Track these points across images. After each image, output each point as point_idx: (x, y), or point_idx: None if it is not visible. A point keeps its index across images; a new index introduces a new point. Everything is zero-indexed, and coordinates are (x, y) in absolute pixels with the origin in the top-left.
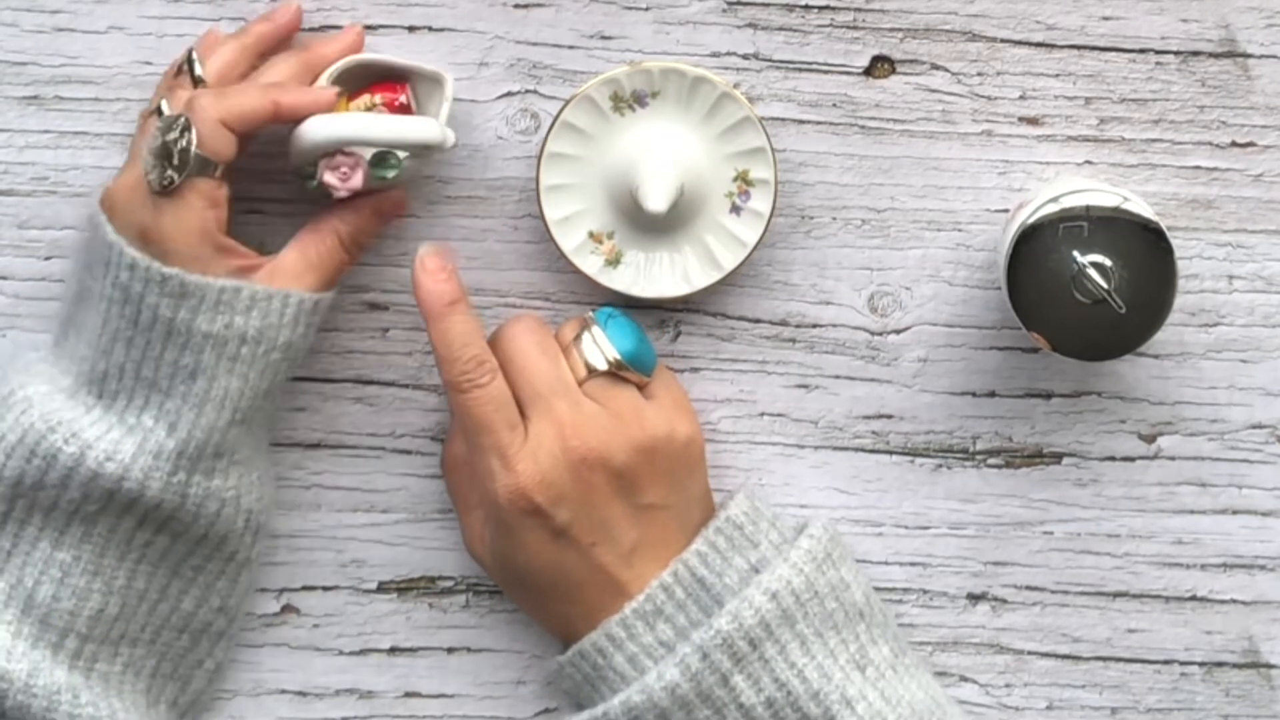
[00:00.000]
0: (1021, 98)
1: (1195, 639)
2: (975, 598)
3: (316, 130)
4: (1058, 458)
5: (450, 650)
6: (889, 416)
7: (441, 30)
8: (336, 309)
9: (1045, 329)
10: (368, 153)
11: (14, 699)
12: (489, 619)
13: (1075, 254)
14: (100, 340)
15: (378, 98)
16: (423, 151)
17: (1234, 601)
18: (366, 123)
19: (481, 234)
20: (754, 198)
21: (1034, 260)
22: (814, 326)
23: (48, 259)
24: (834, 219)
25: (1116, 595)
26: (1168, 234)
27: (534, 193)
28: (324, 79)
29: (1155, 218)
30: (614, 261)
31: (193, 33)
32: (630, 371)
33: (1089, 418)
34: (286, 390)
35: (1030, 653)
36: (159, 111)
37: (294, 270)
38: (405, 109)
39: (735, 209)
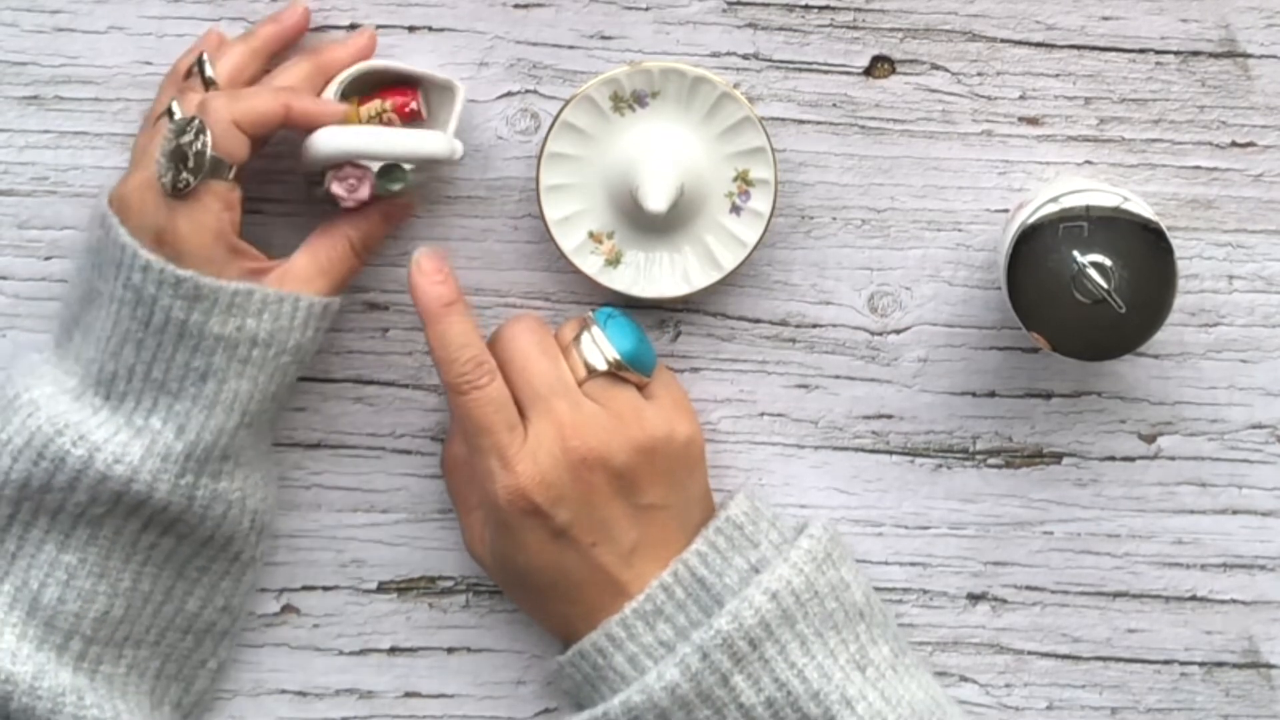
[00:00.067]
0: (1021, 98)
1: (1195, 639)
2: (975, 598)
3: (325, 143)
4: (1058, 458)
5: (450, 650)
6: (889, 416)
7: (441, 30)
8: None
9: (1045, 329)
10: (375, 165)
11: (19, 701)
12: (489, 619)
13: (1075, 254)
14: (109, 342)
15: (388, 103)
16: (430, 164)
17: (1234, 601)
18: (375, 137)
19: (481, 234)
20: (754, 198)
21: (1034, 260)
22: (814, 326)
23: (48, 259)
24: (834, 219)
25: (1116, 595)
26: (1168, 234)
27: (534, 193)
28: (334, 85)
29: (1155, 218)
30: (614, 261)
31: (193, 33)
32: (630, 372)
33: (1089, 418)
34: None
35: (1030, 653)
36: (170, 114)
37: (305, 274)
38: (416, 115)
39: (735, 209)
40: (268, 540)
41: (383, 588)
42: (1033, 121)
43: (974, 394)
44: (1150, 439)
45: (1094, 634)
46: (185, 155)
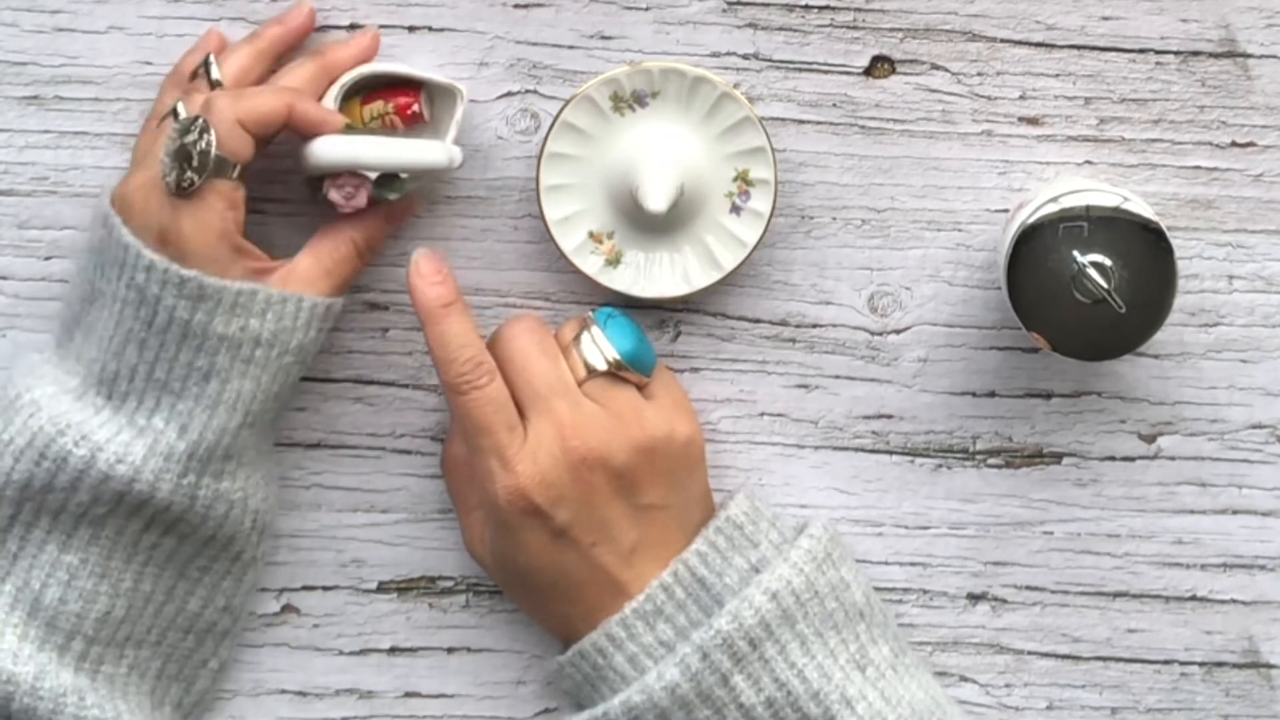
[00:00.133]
0: (1021, 98)
1: (1195, 639)
2: (975, 598)
3: (323, 153)
4: (1058, 458)
5: (450, 650)
6: (889, 416)
7: (441, 30)
8: None
9: (1045, 329)
10: (373, 173)
11: (20, 701)
12: (489, 619)
13: (1075, 254)
14: (111, 341)
15: (390, 105)
16: (428, 173)
17: (1234, 601)
18: (372, 148)
19: (481, 234)
20: (754, 198)
21: (1034, 260)
22: (814, 326)
23: (48, 259)
24: (834, 219)
25: (1116, 595)
26: (1168, 234)
27: (534, 193)
28: (336, 88)
29: (1155, 218)
30: (614, 261)
31: (193, 33)
32: (630, 372)
33: (1089, 418)
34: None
35: (1030, 653)
36: (174, 114)
37: (309, 275)
38: (418, 117)
39: (735, 209)
40: (269, 540)
41: (383, 588)
42: (1033, 121)
43: (974, 394)
44: (1150, 439)
45: (1094, 634)
46: (190, 154)
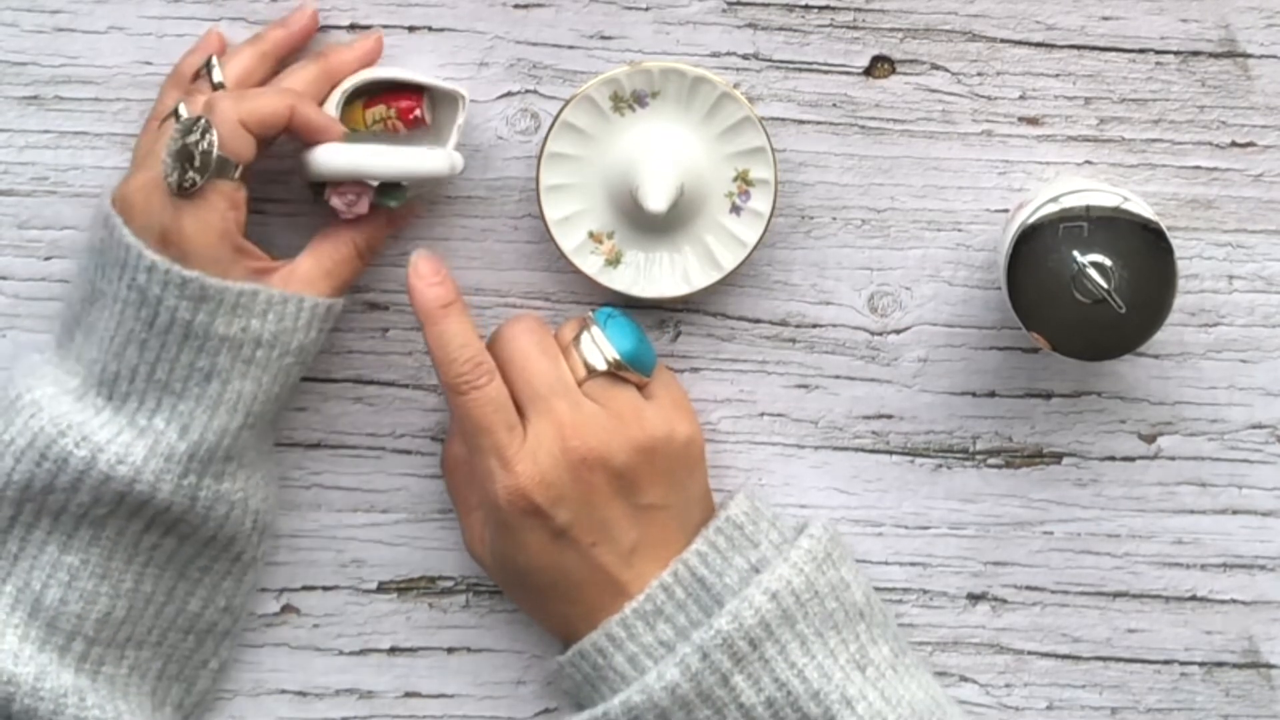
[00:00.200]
0: (1021, 98)
1: (1195, 639)
2: (975, 598)
3: (326, 162)
4: (1058, 458)
5: (450, 650)
6: (889, 416)
7: (441, 30)
8: None
9: (1045, 329)
10: (375, 181)
11: (21, 702)
12: (489, 619)
13: (1075, 254)
14: (112, 342)
15: (393, 110)
16: (430, 181)
17: (1234, 601)
18: (374, 157)
19: (481, 234)
20: (754, 198)
21: (1034, 260)
22: (814, 326)
23: (48, 259)
24: (834, 219)
25: (1116, 595)
26: (1168, 234)
27: (534, 193)
28: (339, 93)
29: (1155, 218)
30: (614, 261)
31: (193, 33)
32: (630, 371)
33: (1089, 418)
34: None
35: (1030, 653)
36: (176, 115)
37: (310, 276)
38: (420, 121)
39: (735, 209)
40: (269, 540)
41: (383, 588)
42: (1033, 121)
43: (974, 394)
44: (1150, 439)
45: (1094, 634)
46: (191, 155)
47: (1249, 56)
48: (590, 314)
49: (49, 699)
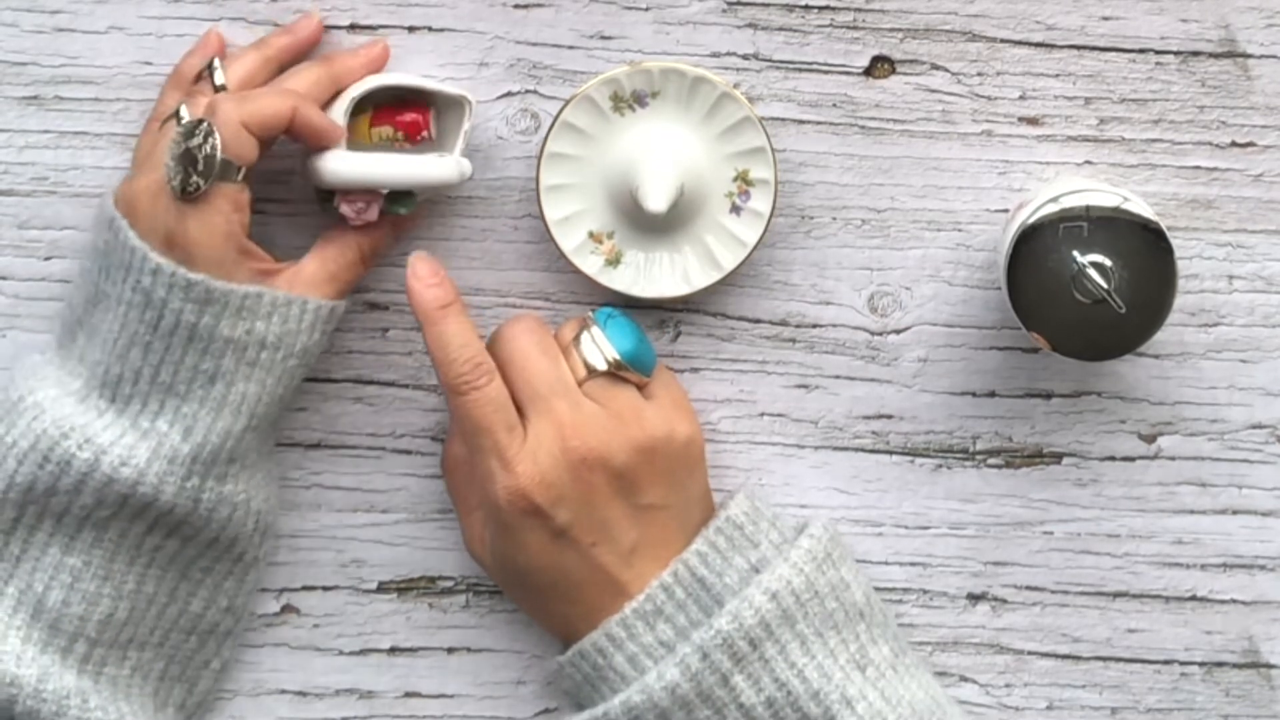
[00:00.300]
0: (1021, 98)
1: (1195, 639)
2: (975, 598)
3: (335, 171)
4: (1058, 458)
5: (450, 650)
6: (889, 416)
7: (441, 30)
8: None
9: (1045, 329)
10: (384, 189)
11: (24, 704)
12: (489, 619)
13: (1075, 254)
14: (116, 344)
15: (400, 133)
16: (439, 188)
17: (1234, 601)
18: (385, 166)
19: (481, 234)
20: (754, 198)
21: (1034, 260)
22: (814, 326)
23: (48, 259)
24: (834, 219)
25: (1116, 595)
26: (1168, 234)
27: (534, 193)
28: (345, 101)
29: (1155, 218)
30: (614, 261)
31: (193, 33)
32: (630, 371)
33: (1089, 418)
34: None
35: (1030, 653)
36: (177, 116)
37: (314, 279)
38: (427, 140)
39: (735, 209)
40: (270, 540)
41: (383, 588)
42: (1033, 121)
43: (974, 394)
44: (1150, 439)
45: (1094, 634)
46: (195, 158)
47: (1249, 56)
48: (590, 314)
49: (52, 701)
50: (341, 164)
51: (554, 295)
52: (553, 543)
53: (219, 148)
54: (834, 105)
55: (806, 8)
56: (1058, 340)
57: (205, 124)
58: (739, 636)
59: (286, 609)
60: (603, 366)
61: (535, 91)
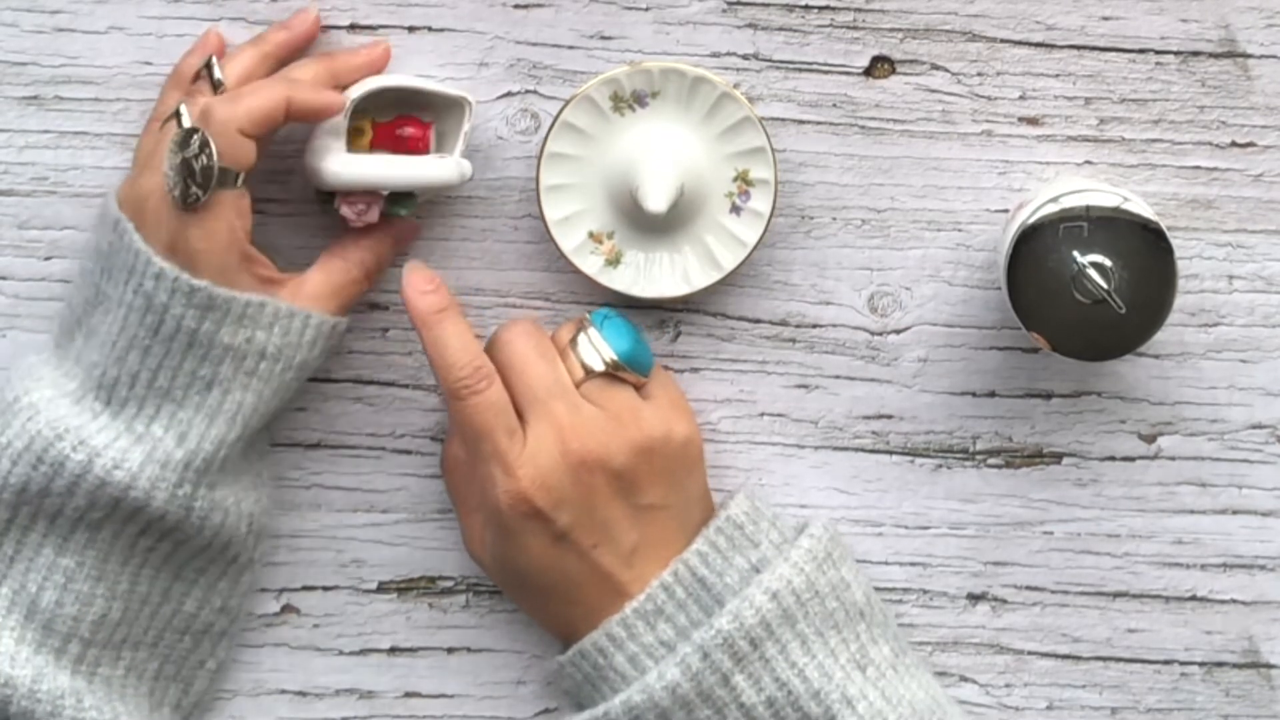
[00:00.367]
0: (1021, 98)
1: (1195, 639)
2: (975, 598)
3: (336, 172)
4: (1058, 458)
5: (450, 650)
6: (889, 416)
7: (441, 30)
8: None
9: (1045, 329)
10: (385, 190)
11: (18, 705)
12: (489, 619)
13: (1075, 254)
14: (114, 347)
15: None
16: (440, 190)
17: (1234, 601)
18: (387, 168)
19: (481, 234)
20: (754, 198)
21: (1034, 260)
22: (814, 326)
23: (48, 259)
24: (834, 219)
25: (1116, 595)
26: (1168, 234)
27: (534, 193)
28: (346, 103)
29: (1155, 218)
30: (614, 261)
31: (193, 33)
32: (627, 372)
33: (1089, 418)
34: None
35: (1030, 653)
36: (177, 117)
37: (318, 292)
38: (427, 150)
39: (735, 209)
40: (266, 541)
41: (383, 588)
42: (1033, 121)
43: (974, 394)
44: (1150, 439)
45: (1094, 634)
46: (192, 169)
47: (1249, 56)
48: (587, 315)
49: (46, 701)
50: (342, 166)
51: (554, 295)
52: (554, 545)
53: (215, 156)
54: (834, 105)
55: (806, 8)
56: (1058, 340)
57: (200, 134)
58: (740, 636)
59: (286, 609)
60: (600, 367)
61: (535, 91)
